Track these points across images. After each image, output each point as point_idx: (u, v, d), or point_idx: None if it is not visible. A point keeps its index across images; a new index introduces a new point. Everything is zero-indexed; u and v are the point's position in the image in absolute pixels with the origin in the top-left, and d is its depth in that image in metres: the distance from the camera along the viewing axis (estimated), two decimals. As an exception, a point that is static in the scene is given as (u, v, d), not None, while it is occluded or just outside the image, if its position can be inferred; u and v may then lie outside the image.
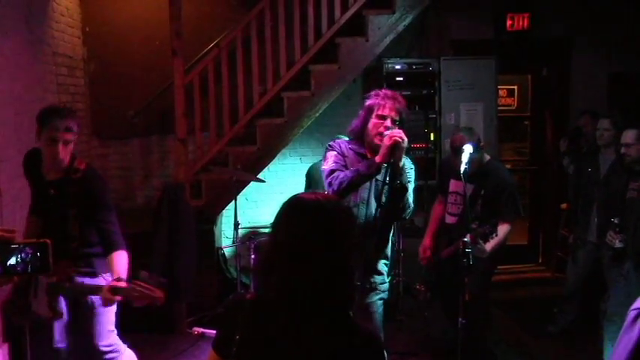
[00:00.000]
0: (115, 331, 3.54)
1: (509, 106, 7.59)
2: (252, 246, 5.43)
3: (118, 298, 3.06)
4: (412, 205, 3.29)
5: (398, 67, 6.30)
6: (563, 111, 7.06)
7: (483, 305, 4.29)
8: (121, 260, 3.23)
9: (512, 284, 6.59)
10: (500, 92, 7.08)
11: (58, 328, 3.47)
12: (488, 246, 3.90)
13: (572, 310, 5.11)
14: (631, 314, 1.54)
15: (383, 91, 3.31)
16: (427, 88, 6.37)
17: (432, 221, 4.56)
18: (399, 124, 3.19)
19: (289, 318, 1.64)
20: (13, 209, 4.34)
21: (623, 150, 4.06)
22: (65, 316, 3.43)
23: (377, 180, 3.18)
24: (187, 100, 5.38)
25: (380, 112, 3.19)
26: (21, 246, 1.61)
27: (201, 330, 5.17)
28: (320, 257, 1.65)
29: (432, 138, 6.36)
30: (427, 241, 4.45)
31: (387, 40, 5.84)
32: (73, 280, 3.26)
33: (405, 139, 3.07)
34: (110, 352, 3.50)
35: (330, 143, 3.39)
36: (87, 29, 6.25)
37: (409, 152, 6.26)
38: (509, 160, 7.38)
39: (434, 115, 6.37)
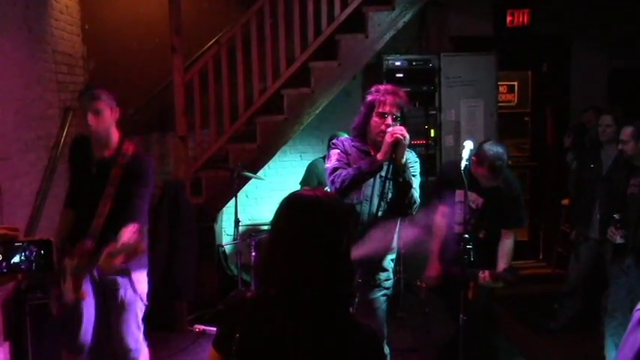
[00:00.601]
0: (142, 329, 3.54)
1: (510, 102, 7.60)
2: (253, 243, 5.43)
3: (117, 260, 3.06)
4: (418, 200, 3.25)
5: (398, 63, 6.29)
6: (564, 107, 7.06)
7: (483, 303, 4.26)
8: (127, 230, 3.19)
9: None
10: (501, 88, 7.09)
11: (86, 322, 3.48)
12: (502, 265, 3.90)
13: (573, 306, 5.11)
14: (636, 315, 1.53)
15: (383, 86, 3.29)
16: (427, 84, 6.36)
17: (436, 242, 4.07)
18: (401, 119, 3.18)
19: (289, 315, 1.64)
20: (14, 208, 4.34)
21: (620, 146, 4.07)
22: (92, 307, 3.44)
23: (381, 177, 3.17)
24: (187, 98, 5.37)
25: (381, 110, 3.17)
26: (25, 244, 1.60)
27: (202, 327, 5.17)
28: (319, 254, 1.65)
29: (432, 134, 6.36)
30: (436, 266, 4.04)
31: (387, 36, 5.83)
32: (94, 259, 3.22)
33: (407, 136, 3.05)
34: (135, 350, 3.50)
35: (334, 141, 3.38)
36: (86, 27, 6.23)
37: (412, 147, 6.32)
38: (510, 156, 7.36)
39: (434, 112, 6.37)
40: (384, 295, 3.31)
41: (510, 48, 6.71)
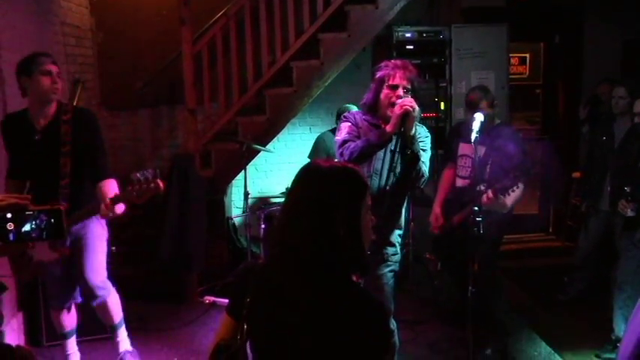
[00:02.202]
0: (105, 269, 3.68)
1: (521, 74, 7.52)
2: (262, 215, 5.45)
3: (120, 206, 3.18)
4: (427, 173, 3.25)
5: (408, 35, 6.23)
6: (576, 79, 6.97)
7: (491, 274, 4.29)
8: (111, 185, 3.36)
9: (522, 253, 6.60)
10: (512, 60, 7.00)
11: (61, 278, 3.66)
12: (509, 200, 3.91)
13: (582, 278, 5.11)
14: None
15: (392, 61, 3.27)
16: (438, 56, 6.31)
17: (441, 188, 4.52)
18: (412, 92, 3.16)
19: (291, 275, 1.70)
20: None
21: (636, 119, 4.02)
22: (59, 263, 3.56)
23: (390, 150, 3.16)
24: (196, 70, 5.35)
25: (391, 82, 3.16)
26: (35, 212, 1.62)
27: (212, 299, 5.22)
28: (330, 217, 1.68)
29: (442, 107, 6.32)
30: (437, 209, 4.40)
31: (397, 7, 5.75)
32: (72, 218, 3.31)
33: (417, 108, 3.04)
34: (101, 287, 3.64)
35: (345, 114, 3.37)
36: (94, -1, 6.21)
37: (419, 121, 6.30)
38: (521, 129, 7.32)
39: (444, 84, 6.33)
40: (391, 270, 3.31)
41: (522, 19, 6.62)
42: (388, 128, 3.06)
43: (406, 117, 3.01)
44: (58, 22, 5.22)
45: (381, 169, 3.20)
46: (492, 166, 4.05)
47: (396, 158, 3.12)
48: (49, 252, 3.36)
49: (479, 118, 3.77)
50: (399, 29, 6.20)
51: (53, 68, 3.38)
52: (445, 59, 6.31)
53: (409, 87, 3.16)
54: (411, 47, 6.24)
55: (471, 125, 3.78)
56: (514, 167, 3.88)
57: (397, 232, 3.34)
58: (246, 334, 1.71)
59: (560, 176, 6.44)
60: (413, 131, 3.08)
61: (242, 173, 5.47)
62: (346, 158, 3.13)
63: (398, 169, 3.17)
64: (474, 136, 3.70)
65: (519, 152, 4.05)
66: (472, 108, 4.11)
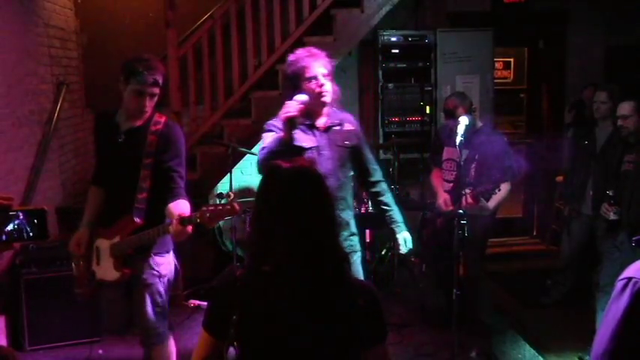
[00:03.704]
0: (165, 312, 3.32)
1: (506, 78, 7.57)
2: (248, 219, 5.43)
3: (189, 228, 2.88)
4: (377, 167, 3.40)
5: (394, 39, 6.26)
6: (560, 84, 7.03)
7: (476, 277, 4.32)
8: (183, 205, 3.05)
9: (506, 257, 6.63)
10: (497, 65, 7.05)
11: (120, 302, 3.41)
12: (491, 203, 3.94)
13: (565, 281, 5.15)
14: (619, 284, 1.55)
15: (298, 53, 3.24)
16: (423, 60, 6.35)
17: (435, 184, 4.60)
18: (329, 77, 3.16)
19: (288, 290, 1.66)
20: (8, 183, 4.33)
21: (619, 122, 4.06)
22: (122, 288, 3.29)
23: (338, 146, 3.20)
24: (181, 73, 5.33)
25: (308, 75, 3.12)
26: (18, 213, 1.60)
27: (196, 302, 5.20)
28: (312, 225, 1.68)
29: (427, 111, 6.35)
30: (443, 195, 4.43)
31: (383, 11, 5.77)
32: (145, 236, 3.07)
33: (295, 111, 3.01)
34: (156, 330, 3.28)
35: (267, 124, 3.29)
36: (79, 0, 6.16)
37: (405, 125, 6.33)
38: (506, 132, 7.35)
39: (430, 88, 6.36)
40: (358, 257, 3.31)
41: (507, 24, 6.68)
42: (283, 135, 3.06)
43: (291, 122, 3.01)
44: (42, 24, 5.18)
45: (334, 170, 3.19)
46: (476, 169, 4.08)
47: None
48: (112, 271, 3.15)
49: (463, 121, 3.80)
50: (385, 33, 6.23)
51: (150, 90, 3.10)
52: (430, 63, 6.35)
53: (326, 71, 3.15)
54: (397, 51, 6.28)
55: (456, 129, 3.81)
56: (496, 170, 3.92)
57: (349, 212, 3.31)
58: (238, 351, 1.66)
59: (543, 180, 6.49)
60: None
61: (227, 176, 5.45)
62: (262, 163, 3.14)
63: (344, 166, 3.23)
64: (458, 139, 3.74)
65: (502, 154, 4.09)
66: (449, 115, 4.19)
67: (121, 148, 3.16)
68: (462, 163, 3.90)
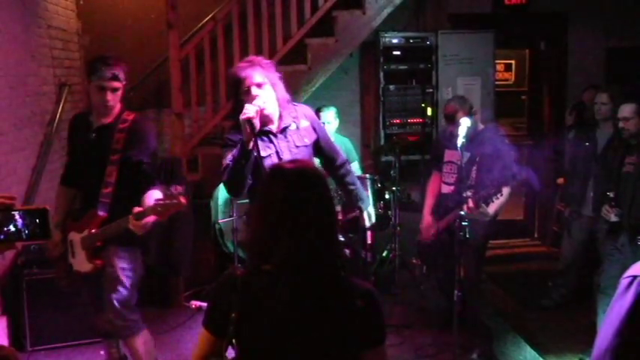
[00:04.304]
0: (130, 305, 3.39)
1: (507, 80, 7.58)
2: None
3: (147, 220, 3.07)
4: (338, 149, 3.44)
5: (395, 41, 6.27)
6: (561, 86, 7.04)
7: (476, 280, 4.32)
8: (155, 193, 3.17)
9: (508, 259, 6.63)
10: (498, 67, 7.06)
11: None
12: (492, 208, 3.93)
13: (566, 283, 5.15)
14: (624, 282, 1.55)
15: (235, 67, 3.22)
16: (424, 62, 6.35)
17: (428, 197, 4.50)
18: (267, 85, 3.08)
19: (291, 290, 1.66)
20: (10, 182, 4.34)
21: (621, 124, 4.05)
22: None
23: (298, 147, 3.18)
24: (183, 74, 5.35)
25: (243, 88, 3.08)
26: (21, 212, 1.60)
27: (198, 304, 5.20)
28: (316, 225, 1.69)
29: (429, 113, 6.35)
30: (428, 217, 4.38)
31: (385, 13, 5.78)
32: (108, 229, 3.22)
33: (252, 113, 2.95)
34: (119, 326, 3.38)
35: (226, 139, 3.24)
36: (81, 2, 6.17)
37: (406, 126, 6.33)
38: (507, 135, 7.33)
39: (431, 90, 6.36)
40: None
41: (508, 26, 6.68)
42: (245, 138, 2.99)
43: (249, 123, 2.94)
44: (44, 25, 5.19)
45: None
46: (478, 171, 4.07)
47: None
48: (86, 263, 3.30)
49: (465, 123, 3.80)
50: (386, 35, 6.23)
51: (110, 85, 3.24)
52: (432, 65, 6.35)
53: (261, 81, 3.08)
54: (398, 53, 6.28)
55: (457, 131, 3.81)
56: (498, 173, 3.91)
57: None
58: (237, 350, 1.68)
59: (544, 182, 6.49)
60: (291, 124, 3.17)
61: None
62: (225, 178, 3.11)
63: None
64: (460, 141, 3.74)
65: (504, 156, 4.08)
66: (450, 120, 4.18)
67: (91, 145, 3.34)
68: (462, 165, 3.90)
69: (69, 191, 3.52)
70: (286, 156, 3.12)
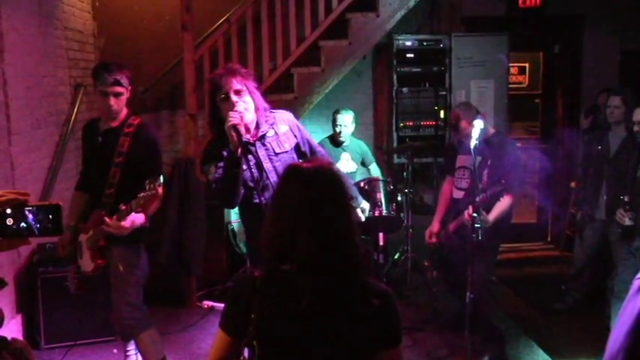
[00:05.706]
0: (136, 303, 3.48)
1: (521, 83, 7.53)
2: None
3: (128, 220, 3.17)
4: (320, 147, 3.41)
5: (409, 43, 6.27)
6: (575, 89, 7.00)
7: (489, 282, 4.31)
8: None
9: (520, 262, 6.61)
10: (512, 70, 7.03)
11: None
12: (491, 216, 3.94)
13: (579, 287, 5.12)
14: (636, 283, 1.55)
15: (215, 73, 3.20)
16: (438, 65, 6.35)
17: (440, 204, 4.55)
18: (246, 92, 3.02)
19: (313, 289, 1.66)
20: (26, 182, 4.39)
21: (636, 128, 4.04)
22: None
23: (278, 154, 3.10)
24: (197, 76, 5.37)
25: (221, 96, 3.00)
26: (34, 208, 1.62)
27: (210, 303, 5.23)
28: (336, 221, 1.70)
29: (442, 115, 6.35)
30: (435, 226, 4.46)
31: (398, 15, 5.79)
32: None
33: (238, 119, 2.90)
34: (126, 324, 3.48)
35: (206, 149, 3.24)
36: (97, 4, 6.23)
37: (419, 129, 6.33)
38: (520, 138, 7.33)
39: (444, 93, 6.36)
40: None
41: (522, 29, 6.66)
42: (232, 146, 2.92)
43: (237, 130, 2.88)
44: (60, 27, 5.25)
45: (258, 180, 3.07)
46: (489, 174, 4.06)
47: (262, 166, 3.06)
48: (89, 263, 3.39)
49: (478, 125, 3.80)
50: (400, 37, 6.24)
51: (112, 90, 3.35)
52: (445, 68, 6.35)
53: (240, 88, 3.00)
54: (412, 55, 6.29)
55: (471, 133, 3.81)
56: (506, 176, 3.91)
57: None
58: (257, 352, 1.67)
59: (558, 186, 6.46)
60: (273, 131, 3.11)
61: (242, 179, 5.48)
62: (218, 190, 3.05)
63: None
64: (473, 143, 3.74)
65: (513, 160, 4.07)
66: (454, 128, 4.26)
67: (98, 148, 3.49)
68: (475, 167, 3.89)
69: (83, 196, 3.63)
70: (267, 164, 3.05)
